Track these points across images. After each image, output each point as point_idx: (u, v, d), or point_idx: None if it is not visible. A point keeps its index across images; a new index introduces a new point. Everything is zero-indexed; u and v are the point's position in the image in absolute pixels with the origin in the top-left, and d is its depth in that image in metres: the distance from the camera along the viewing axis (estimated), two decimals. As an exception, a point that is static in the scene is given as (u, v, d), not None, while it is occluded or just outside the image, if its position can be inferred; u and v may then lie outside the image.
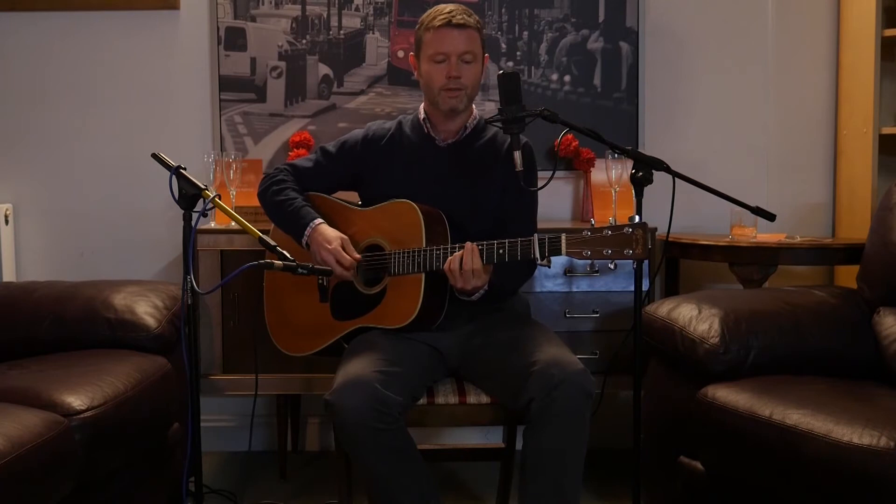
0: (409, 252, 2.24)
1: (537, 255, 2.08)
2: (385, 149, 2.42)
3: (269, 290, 2.54)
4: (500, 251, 2.12)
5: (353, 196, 2.49)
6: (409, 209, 2.27)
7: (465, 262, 2.13)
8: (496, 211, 2.36)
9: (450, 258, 2.16)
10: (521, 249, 2.10)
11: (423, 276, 2.22)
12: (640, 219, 2.06)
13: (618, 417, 3.09)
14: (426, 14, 2.34)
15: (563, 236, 2.05)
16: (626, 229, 2.00)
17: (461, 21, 2.28)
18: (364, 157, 2.43)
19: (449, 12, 2.29)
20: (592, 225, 2.04)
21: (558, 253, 2.06)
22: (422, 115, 2.42)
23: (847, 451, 1.83)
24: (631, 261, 2.02)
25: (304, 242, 2.33)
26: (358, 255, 2.30)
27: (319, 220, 2.33)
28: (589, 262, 2.05)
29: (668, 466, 2.39)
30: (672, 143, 3.32)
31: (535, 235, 2.09)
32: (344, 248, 2.29)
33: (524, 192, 2.33)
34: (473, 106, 2.44)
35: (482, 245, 2.14)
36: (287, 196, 2.38)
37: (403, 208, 2.28)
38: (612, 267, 2.07)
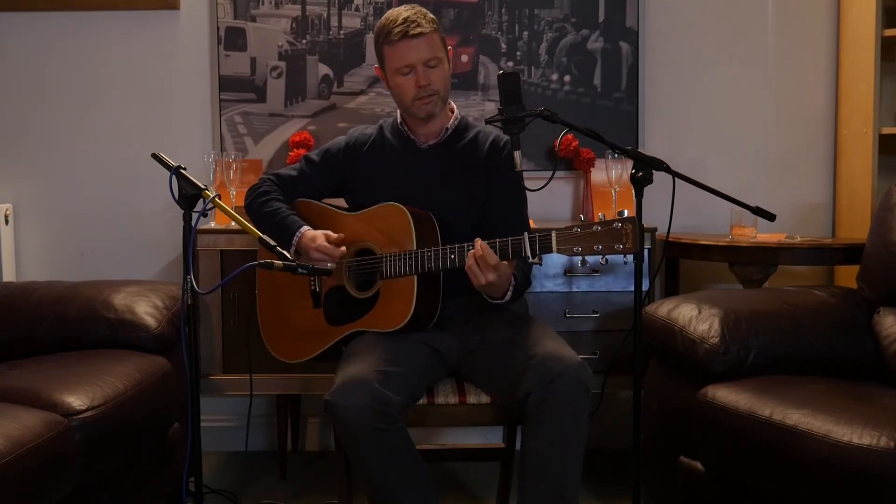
0: (400, 254, 2.24)
1: (528, 253, 2.08)
2: (368, 154, 2.43)
3: (262, 298, 2.53)
4: (492, 250, 2.12)
5: (339, 202, 2.49)
6: (398, 212, 2.27)
7: (490, 259, 2.11)
8: (482, 210, 2.36)
9: (469, 259, 2.13)
10: (513, 248, 2.10)
11: (416, 277, 2.22)
12: (634, 214, 2.05)
13: (618, 417, 3.09)
14: (380, 25, 2.31)
15: (554, 233, 2.04)
16: (615, 224, 1.99)
17: (417, 32, 2.25)
18: (348, 164, 2.43)
19: (403, 22, 2.26)
20: (582, 220, 2.04)
21: (549, 250, 2.05)
22: (399, 120, 2.42)
23: (847, 451, 1.83)
24: (622, 255, 2.02)
25: (292, 251, 2.33)
26: (343, 246, 2.28)
27: (306, 227, 2.33)
28: (580, 257, 2.03)
29: (668, 466, 2.39)
30: (672, 143, 3.32)
31: (526, 234, 2.09)
32: (328, 239, 2.29)
33: (510, 189, 2.33)
34: (454, 105, 2.44)
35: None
36: (272, 207, 2.39)
37: (392, 211, 2.28)
38: (603, 262, 2.06)
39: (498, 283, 2.15)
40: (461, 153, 2.39)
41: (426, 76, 2.28)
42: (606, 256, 2.02)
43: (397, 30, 2.26)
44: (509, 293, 2.25)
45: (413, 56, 2.27)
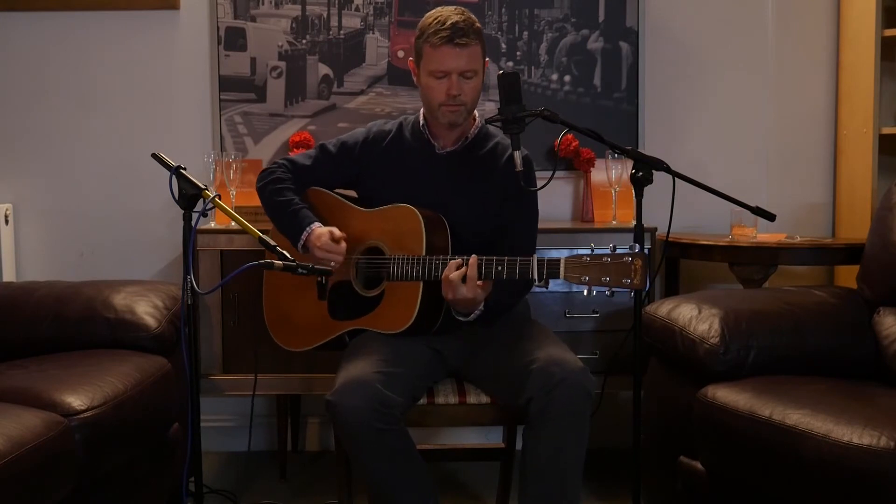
0: (408, 258, 2.23)
1: (535, 276, 2.07)
2: (385, 151, 2.40)
3: (268, 286, 2.53)
4: (499, 268, 2.11)
5: (352, 192, 2.49)
6: (411, 214, 2.26)
7: (470, 272, 2.11)
8: (495, 221, 2.35)
9: (448, 266, 2.14)
10: (520, 269, 2.09)
11: (422, 284, 2.22)
12: (640, 233, 2.05)
13: (618, 417, 3.08)
14: (426, 22, 2.26)
15: (563, 260, 2.04)
16: (625, 258, 1.99)
17: (463, 42, 2.21)
18: (363, 159, 2.41)
19: (450, 28, 2.20)
20: (592, 249, 2.03)
21: (556, 277, 2.05)
22: (421, 122, 2.40)
23: (847, 451, 1.83)
24: (629, 290, 2.01)
25: (300, 246, 2.32)
26: (344, 244, 2.28)
27: (316, 224, 2.31)
28: (586, 287, 2.03)
29: (668, 466, 2.39)
30: (672, 143, 3.32)
31: (535, 257, 2.09)
32: (332, 237, 2.27)
33: (525, 203, 2.32)
34: (476, 113, 2.42)
35: (481, 260, 2.13)
36: (286, 197, 2.37)
37: (405, 213, 2.27)
38: (609, 294, 2.05)
39: (464, 302, 2.16)
40: (479, 162, 2.36)
41: (459, 86, 2.24)
42: (613, 289, 2.01)
43: (442, 34, 2.21)
44: (474, 314, 2.24)
45: (451, 64, 2.23)
